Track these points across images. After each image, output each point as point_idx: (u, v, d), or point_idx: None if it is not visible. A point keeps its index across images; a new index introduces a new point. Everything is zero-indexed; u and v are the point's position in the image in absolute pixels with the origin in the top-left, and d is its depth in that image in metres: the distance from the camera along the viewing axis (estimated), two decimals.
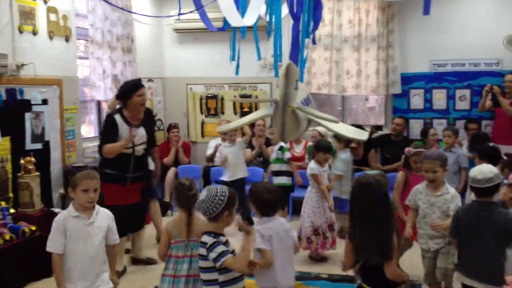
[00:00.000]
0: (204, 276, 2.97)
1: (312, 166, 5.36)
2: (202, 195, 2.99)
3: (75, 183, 3.21)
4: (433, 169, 3.81)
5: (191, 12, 5.04)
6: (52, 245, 3.19)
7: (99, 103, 6.87)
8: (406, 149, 4.64)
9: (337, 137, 6.21)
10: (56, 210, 5.35)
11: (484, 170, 3.34)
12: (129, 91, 4.68)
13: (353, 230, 2.97)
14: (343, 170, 6.12)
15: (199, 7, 4.50)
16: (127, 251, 5.39)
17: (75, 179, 3.22)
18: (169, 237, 3.40)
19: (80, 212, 3.24)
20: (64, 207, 5.72)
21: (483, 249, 3.22)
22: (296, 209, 6.90)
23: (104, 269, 3.32)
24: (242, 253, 2.92)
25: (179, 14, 5.41)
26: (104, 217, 3.34)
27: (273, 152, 6.49)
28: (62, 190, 5.82)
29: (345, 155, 6.20)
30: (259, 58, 5.34)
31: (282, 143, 6.36)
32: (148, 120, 5.05)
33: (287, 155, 6.32)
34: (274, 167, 6.44)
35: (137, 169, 4.85)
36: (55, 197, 5.76)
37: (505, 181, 4.40)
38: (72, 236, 3.20)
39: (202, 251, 2.92)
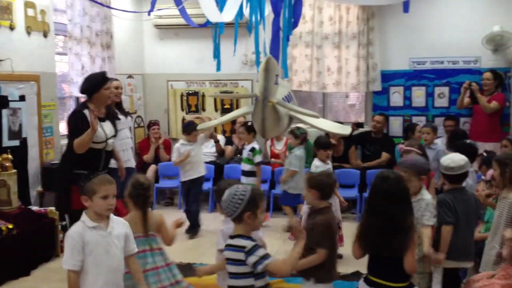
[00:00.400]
0: (239, 282, 2.73)
1: (317, 163, 5.36)
2: (225, 193, 2.80)
3: (93, 190, 2.93)
4: (406, 178, 3.32)
5: (168, 8, 4.99)
6: (69, 261, 2.86)
7: (77, 100, 6.79)
8: (398, 146, 4.57)
9: (294, 133, 6.20)
10: (34, 208, 5.29)
11: (456, 159, 3.60)
12: (98, 85, 4.58)
13: (366, 222, 2.91)
14: (298, 166, 6.12)
15: (178, 3, 4.47)
16: None
17: (93, 185, 2.94)
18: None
19: (97, 222, 2.95)
20: (42, 204, 5.65)
21: (471, 231, 3.59)
22: (277, 206, 6.93)
23: (124, 282, 3.15)
24: (290, 258, 2.75)
25: (151, 11, 5.32)
26: (120, 225, 3.07)
27: (244, 151, 6.44)
28: (40, 188, 5.75)
29: (299, 152, 6.20)
30: (234, 54, 5.30)
31: (254, 144, 6.33)
32: (114, 114, 5.08)
33: (258, 158, 6.28)
34: (244, 167, 6.39)
35: (106, 166, 4.77)
36: (32, 194, 5.68)
37: (482, 177, 4.48)
38: (92, 250, 2.89)
39: (237, 255, 2.69)
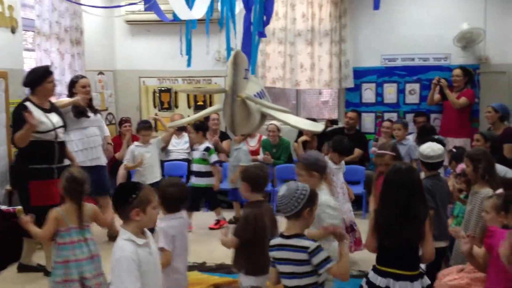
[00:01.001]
0: (302, 281, 2.68)
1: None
2: (282, 190, 2.74)
3: (148, 199, 2.63)
4: (297, 172, 3.57)
5: (136, 3, 4.92)
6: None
7: None
8: (371, 149, 4.28)
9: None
10: (2, 207, 5.16)
11: (434, 148, 3.84)
12: (41, 78, 4.58)
13: (380, 213, 2.94)
14: (247, 161, 6.19)
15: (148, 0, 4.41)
16: None
17: (146, 195, 2.63)
18: (57, 224, 3.45)
19: (143, 237, 2.66)
20: (10, 203, 5.53)
21: (445, 213, 3.82)
22: None
23: None
24: (343, 261, 2.69)
25: (120, 6, 5.25)
26: (150, 236, 2.79)
27: (195, 151, 6.26)
28: (8, 187, 5.62)
29: (245, 147, 6.30)
30: (208, 52, 5.27)
31: (207, 144, 6.19)
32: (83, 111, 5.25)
33: (214, 157, 6.11)
34: (195, 167, 6.19)
35: (61, 159, 4.71)
36: (1, 193, 5.55)
37: (452, 172, 4.56)
38: (145, 271, 2.61)
39: (298, 255, 2.65)
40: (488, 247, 2.93)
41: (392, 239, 2.85)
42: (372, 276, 2.92)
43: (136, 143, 5.98)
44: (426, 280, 2.89)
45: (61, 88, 6.31)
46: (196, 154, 6.18)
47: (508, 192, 3.08)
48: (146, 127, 5.93)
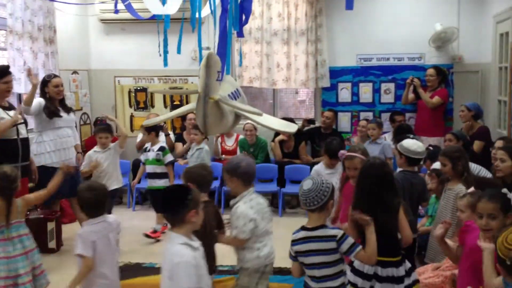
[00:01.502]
0: (330, 270, 2.79)
1: (317, 168, 4.72)
2: (307, 184, 2.82)
3: (199, 200, 2.66)
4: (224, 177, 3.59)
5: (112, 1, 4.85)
6: None
7: (19, 96, 6.53)
8: (340, 152, 4.02)
9: (199, 128, 6.19)
10: None
11: (420, 145, 3.98)
12: None
13: (356, 203, 3.03)
14: (209, 161, 6.22)
15: None
16: None
17: (197, 195, 2.65)
18: None
19: (193, 239, 2.65)
20: None
21: (413, 209, 3.80)
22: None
23: None
24: (370, 245, 2.81)
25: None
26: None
27: (149, 152, 6.01)
28: None
29: (207, 147, 6.25)
30: (178, 52, 5.21)
31: (162, 144, 6.07)
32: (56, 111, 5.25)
33: (169, 157, 5.95)
34: (149, 168, 5.98)
35: (25, 156, 4.65)
36: None
37: (428, 172, 4.61)
38: (201, 274, 2.63)
39: (328, 245, 2.75)
40: (461, 241, 2.97)
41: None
42: (359, 264, 2.97)
43: (95, 148, 5.62)
44: (408, 264, 3.00)
45: None
46: (150, 155, 5.96)
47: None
48: (102, 129, 5.58)
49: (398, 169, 4.05)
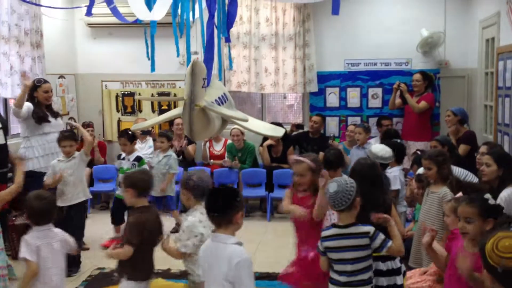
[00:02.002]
0: (361, 265, 2.94)
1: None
2: (333, 187, 2.93)
3: (243, 202, 2.80)
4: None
5: (98, 5, 4.82)
6: None
7: (5, 101, 6.47)
8: (290, 156, 3.85)
9: (167, 135, 6.20)
10: None
11: (387, 149, 4.16)
12: None
13: None
14: (177, 169, 6.17)
15: (109, 2, 4.33)
16: None
17: (241, 197, 2.77)
18: None
19: None
20: None
21: None
22: None
23: None
24: (397, 239, 2.98)
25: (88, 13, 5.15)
26: None
27: (123, 160, 5.72)
28: None
29: (174, 154, 6.19)
30: (178, 55, 5.21)
31: (138, 153, 5.81)
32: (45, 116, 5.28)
33: (145, 168, 5.58)
34: (122, 178, 5.42)
35: (4, 162, 4.59)
36: None
37: (414, 176, 4.62)
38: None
39: (361, 241, 2.91)
40: (448, 249, 2.98)
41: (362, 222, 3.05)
42: None
43: (59, 157, 5.14)
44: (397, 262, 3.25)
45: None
46: (125, 164, 5.67)
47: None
48: (65, 136, 5.01)
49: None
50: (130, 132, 5.80)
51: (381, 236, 2.91)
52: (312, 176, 3.44)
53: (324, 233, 2.99)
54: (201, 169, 6.34)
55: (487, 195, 2.68)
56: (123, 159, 5.76)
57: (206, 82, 4.26)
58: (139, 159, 5.69)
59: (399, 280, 3.17)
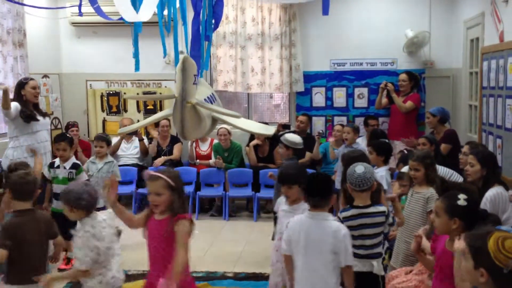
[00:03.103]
0: (377, 240, 3.30)
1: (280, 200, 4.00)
2: (359, 169, 3.28)
3: None
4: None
5: (84, 5, 4.77)
6: None
7: None
8: (147, 172, 3.08)
9: (106, 140, 5.63)
10: None
11: (299, 137, 5.17)
12: None
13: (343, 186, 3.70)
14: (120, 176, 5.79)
15: (93, 2, 4.29)
16: None
17: None
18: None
19: None
20: None
21: None
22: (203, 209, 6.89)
23: None
24: (400, 213, 3.63)
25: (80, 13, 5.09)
26: None
27: (58, 169, 5.03)
28: None
29: (115, 161, 5.82)
30: (165, 55, 5.17)
31: (74, 160, 5.13)
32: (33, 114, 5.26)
33: (83, 176, 5.03)
34: (57, 188, 4.89)
35: None
36: None
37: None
38: None
39: (379, 219, 3.26)
40: (433, 250, 2.99)
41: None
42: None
43: (47, 157, 5.30)
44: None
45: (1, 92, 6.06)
46: (60, 173, 4.99)
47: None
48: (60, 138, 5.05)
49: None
50: (69, 136, 5.28)
51: (391, 214, 3.36)
52: (171, 196, 2.90)
53: (345, 214, 3.28)
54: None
55: (461, 195, 2.69)
56: (57, 167, 5.02)
57: (196, 78, 4.23)
58: (76, 166, 5.02)
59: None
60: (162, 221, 2.92)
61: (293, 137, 5.15)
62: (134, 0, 3.85)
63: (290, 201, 3.66)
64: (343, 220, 3.23)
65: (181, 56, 4.13)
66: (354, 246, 3.10)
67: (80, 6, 4.44)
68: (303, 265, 3.01)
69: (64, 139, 5.05)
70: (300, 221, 3.09)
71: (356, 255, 3.12)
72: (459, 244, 2.53)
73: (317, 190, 3.08)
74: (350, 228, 3.16)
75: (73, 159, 5.10)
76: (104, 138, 5.52)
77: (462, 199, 2.68)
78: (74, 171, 4.97)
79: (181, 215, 2.91)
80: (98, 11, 4.36)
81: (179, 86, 4.04)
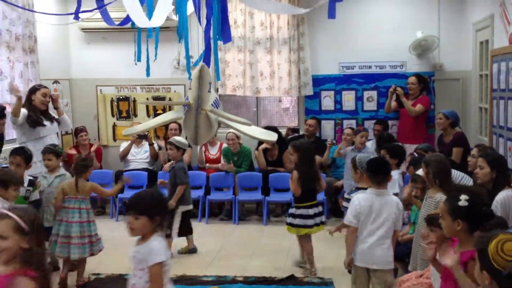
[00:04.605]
0: None
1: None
2: (365, 157, 4.33)
3: None
4: None
5: (88, 11, 4.81)
6: None
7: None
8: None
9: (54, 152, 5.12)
10: None
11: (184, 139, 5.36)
12: None
13: (300, 170, 4.80)
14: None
15: (100, 5, 4.32)
16: None
17: None
18: (64, 194, 4.54)
19: None
20: None
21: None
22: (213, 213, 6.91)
23: None
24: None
25: (76, 17, 5.14)
26: None
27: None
28: None
29: (68, 173, 5.25)
30: (155, 58, 5.16)
31: (30, 177, 4.69)
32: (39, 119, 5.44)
33: (35, 196, 4.64)
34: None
35: None
36: None
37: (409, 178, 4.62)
38: None
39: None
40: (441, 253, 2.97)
41: (310, 185, 4.84)
42: (303, 210, 4.83)
43: None
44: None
45: (10, 97, 6.13)
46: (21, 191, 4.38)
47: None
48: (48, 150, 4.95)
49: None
50: (27, 151, 4.78)
51: (405, 214, 4.23)
52: (20, 242, 2.19)
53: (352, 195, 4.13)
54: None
55: (462, 196, 2.68)
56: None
57: (211, 86, 4.26)
58: (32, 184, 4.63)
59: None
60: (3, 277, 2.16)
61: (180, 139, 5.53)
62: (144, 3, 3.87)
63: (133, 234, 2.82)
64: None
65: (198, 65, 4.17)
66: None
67: (78, 10, 4.45)
68: (368, 233, 3.62)
69: (20, 153, 4.64)
70: (367, 198, 3.67)
71: None
72: (451, 260, 2.54)
73: (381, 171, 3.70)
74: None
75: (28, 177, 4.63)
76: (51, 150, 4.91)
77: (463, 200, 2.67)
78: (31, 188, 4.59)
79: (22, 270, 2.18)
80: (105, 16, 4.40)
81: (195, 93, 4.06)
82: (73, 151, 7.18)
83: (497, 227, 2.60)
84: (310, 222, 4.82)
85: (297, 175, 4.77)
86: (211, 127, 4.44)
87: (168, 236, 5.49)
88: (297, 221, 4.84)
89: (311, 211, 4.84)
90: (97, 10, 4.43)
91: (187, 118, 4.26)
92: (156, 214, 2.78)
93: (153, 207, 2.80)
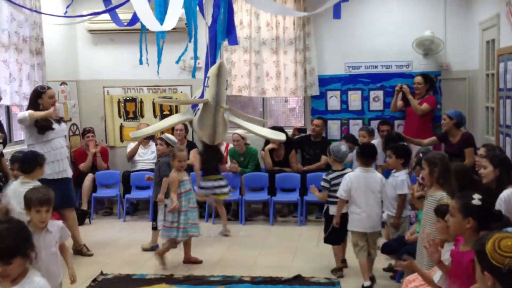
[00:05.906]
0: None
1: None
2: (345, 147, 4.91)
3: None
4: None
5: (95, 13, 4.83)
6: None
7: (8, 108, 6.49)
8: None
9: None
10: None
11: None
12: None
13: None
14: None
15: (109, 7, 4.35)
16: None
17: None
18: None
19: None
20: None
21: None
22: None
23: None
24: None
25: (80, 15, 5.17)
26: None
27: None
28: None
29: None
30: (159, 62, 5.16)
31: None
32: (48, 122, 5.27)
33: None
34: None
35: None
36: None
37: (417, 179, 4.61)
38: None
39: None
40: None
41: None
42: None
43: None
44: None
45: (19, 99, 6.18)
46: None
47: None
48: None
49: None
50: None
51: (411, 214, 4.66)
52: None
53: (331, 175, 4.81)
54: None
55: (476, 195, 2.70)
56: None
57: (227, 84, 4.26)
58: None
59: None
60: None
61: (171, 136, 5.85)
62: (158, 11, 3.88)
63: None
64: (330, 180, 4.76)
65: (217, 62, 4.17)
66: (334, 196, 4.65)
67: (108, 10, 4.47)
68: (364, 202, 4.50)
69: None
70: (357, 175, 4.57)
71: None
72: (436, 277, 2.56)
73: (369, 154, 4.65)
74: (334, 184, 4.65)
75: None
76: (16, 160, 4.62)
77: (476, 199, 2.68)
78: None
79: None
80: (113, 16, 4.42)
81: (213, 91, 4.05)
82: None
83: (503, 228, 2.61)
84: None
85: None
86: (227, 125, 4.45)
87: (154, 229, 5.63)
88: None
89: None
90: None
91: (204, 116, 4.24)
92: (29, 248, 2.33)
93: (23, 242, 2.32)
